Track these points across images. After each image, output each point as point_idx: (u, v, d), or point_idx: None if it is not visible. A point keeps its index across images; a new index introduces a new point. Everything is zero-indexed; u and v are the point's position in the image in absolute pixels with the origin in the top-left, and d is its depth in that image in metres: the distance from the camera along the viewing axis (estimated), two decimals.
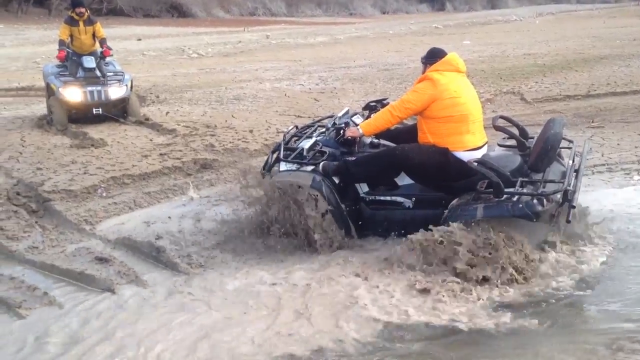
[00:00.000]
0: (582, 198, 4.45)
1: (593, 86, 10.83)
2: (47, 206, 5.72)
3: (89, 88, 8.59)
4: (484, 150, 4.53)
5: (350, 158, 4.67)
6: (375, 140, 4.82)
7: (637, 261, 4.30)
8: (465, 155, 4.35)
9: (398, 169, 4.50)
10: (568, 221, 4.03)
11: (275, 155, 4.94)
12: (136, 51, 20.04)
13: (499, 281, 3.96)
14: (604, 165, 6.42)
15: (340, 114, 4.97)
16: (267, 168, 4.97)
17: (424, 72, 4.57)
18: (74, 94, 8.52)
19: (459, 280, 3.97)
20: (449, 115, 4.36)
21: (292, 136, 5.19)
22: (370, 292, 3.94)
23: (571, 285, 3.96)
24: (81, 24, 8.93)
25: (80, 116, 8.72)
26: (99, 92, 8.62)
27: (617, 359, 3.21)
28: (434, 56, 4.55)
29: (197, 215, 5.47)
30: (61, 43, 8.87)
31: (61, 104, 8.52)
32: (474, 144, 4.44)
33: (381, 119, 4.53)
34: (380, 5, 53.52)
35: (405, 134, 4.80)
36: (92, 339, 3.55)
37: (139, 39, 24.90)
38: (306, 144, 4.79)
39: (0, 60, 17.32)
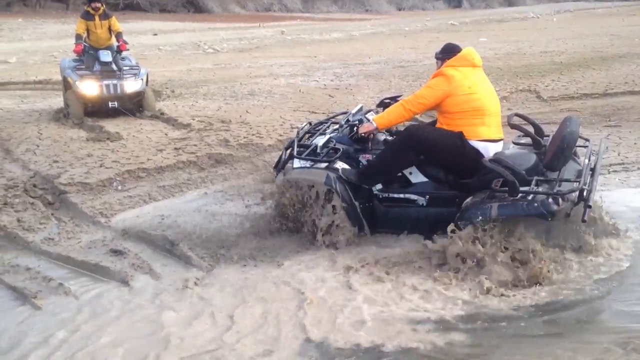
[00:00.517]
0: (599, 197, 4.40)
1: (610, 85, 10.71)
2: (63, 198, 5.78)
3: (105, 82, 8.68)
4: (499, 146, 4.49)
5: (364, 159, 4.67)
6: (389, 138, 4.81)
7: None
8: (479, 145, 4.33)
9: (413, 150, 4.41)
10: (584, 220, 3.99)
11: (288, 152, 4.95)
12: (152, 46, 20.15)
13: (525, 281, 3.93)
14: (620, 164, 6.35)
15: (353, 111, 4.96)
16: (281, 165, 4.97)
17: (438, 68, 4.55)
18: (90, 87, 8.62)
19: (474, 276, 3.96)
20: (463, 111, 4.35)
21: (306, 133, 5.19)
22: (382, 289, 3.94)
23: (590, 285, 3.92)
24: (97, 18, 9.06)
25: (96, 109, 8.82)
26: (115, 85, 8.71)
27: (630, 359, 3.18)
28: (448, 52, 4.53)
29: (210, 210, 5.49)
30: (78, 37, 9.02)
31: (78, 98, 8.62)
32: (488, 135, 4.40)
33: (395, 113, 4.51)
34: (396, 1, 53.33)
35: None
36: (103, 330, 3.59)
37: (155, 34, 25.05)
38: (320, 140, 4.79)
39: (19, 54, 17.50)
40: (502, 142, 4.55)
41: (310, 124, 5.40)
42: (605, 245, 4.33)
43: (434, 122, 4.82)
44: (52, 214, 5.46)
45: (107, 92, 8.69)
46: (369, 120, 4.77)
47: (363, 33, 25.87)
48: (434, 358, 3.28)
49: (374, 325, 3.54)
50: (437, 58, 4.63)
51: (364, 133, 4.58)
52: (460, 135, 4.36)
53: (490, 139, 4.41)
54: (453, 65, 4.44)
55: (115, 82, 8.74)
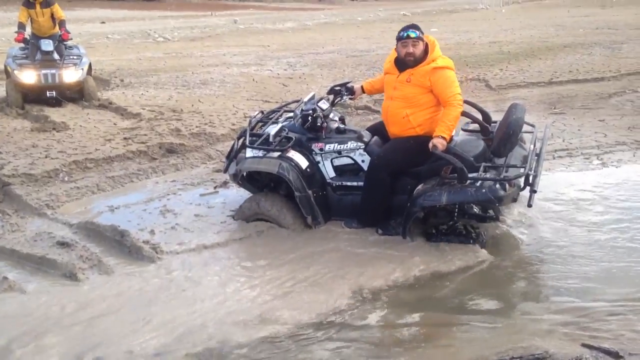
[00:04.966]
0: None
1: (556, 74, 11.02)
2: (6, 190, 5.58)
3: (44, 71, 8.61)
4: None
5: (316, 147, 4.69)
6: (342, 126, 4.82)
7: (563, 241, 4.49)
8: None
9: (387, 176, 4.43)
10: (529, 205, 4.11)
11: (240, 142, 4.91)
12: (100, 34, 19.60)
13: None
14: (564, 150, 6.56)
15: (306, 99, 4.95)
16: (233, 154, 4.93)
17: (411, 49, 4.38)
18: (28, 76, 8.57)
19: None
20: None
21: (258, 122, 5.16)
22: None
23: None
24: (38, 6, 8.93)
25: (36, 98, 8.68)
26: (53, 75, 8.63)
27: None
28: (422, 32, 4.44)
29: (162, 200, 5.41)
30: (20, 26, 8.92)
31: (16, 86, 8.55)
32: None
33: (453, 117, 4.28)
34: None
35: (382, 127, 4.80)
36: (51, 324, 3.50)
37: (103, 22, 24.36)
38: (272, 129, 4.77)
39: None
40: None
41: (262, 112, 5.36)
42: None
43: (374, 127, 4.88)
44: None
45: (45, 81, 8.59)
46: (321, 109, 4.73)
47: (316, 23, 25.79)
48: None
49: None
50: (411, 37, 4.37)
51: (439, 149, 4.20)
52: (411, 138, 4.44)
53: None
54: (442, 55, 4.44)
55: (53, 71, 8.63)
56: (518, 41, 15.79)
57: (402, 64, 4.48)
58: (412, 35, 4.36)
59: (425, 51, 4.44)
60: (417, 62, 4.41)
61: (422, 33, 4.42)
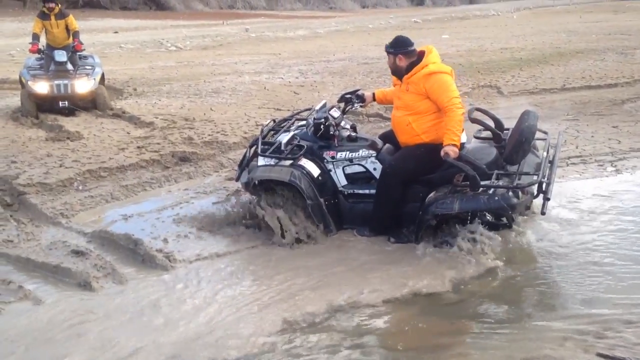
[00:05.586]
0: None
1: (568, 80, 10.97)
2: (22, 199, 5.64)
3: (56, 81, 8.74)
4: None
5: (328, 155, 4.69)
6: (353, 134, 4.83)
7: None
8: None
9: (399, 183, 4.45)
10: (543, 213, 4.10)
11: (252, 150, 4.94)
12: (113, 44, 19.78)
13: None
14: (578, 157, 6.52)
15: (317, 107, 4.97)
16: (245, 163, 4.95)
17: (393, 62, 4.51)
18: (41, 86, 8.71)
19: None
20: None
21: (270, 130, 5.18)
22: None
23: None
24: (52, 17, 9.10)
25: (49, 108, 8.81)
26: (66, 85, 8.76)
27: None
28: (402, 45, 4.49)
29: (175, 208, 5.44)
30: (34, 37, 9.05)
31: (29, 96, 8.70)
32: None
33: (457, 123, 4.27)
34: None
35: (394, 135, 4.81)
36: (66, 334, 3.52)
37: (116, 32, 24.57)
38: (284, 138, 4.79)
39: None
40: None
41: (274, 121, 5.39)
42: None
43: (385, 135, 4.87)
44: (11, 216, 5.32)
45: (58, 91, 8.72)
46: (333, 117, 4.76)
47: (327, 30, 25.87)
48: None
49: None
50: (388, 52, 4.55)
51: (455, 157, 4.20)
52: (421, 145, 4.44)
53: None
54: (435, 61, 4.44)
55: (65, 82, 8.76)
56: (530, 47, 15.75)
57: (397, 74, 4.58)
58: (386, 49, 4.55)
59: (418, 60, 4.46)
60: (405, 72, 4.47)
61: (408, 46, 4.47)
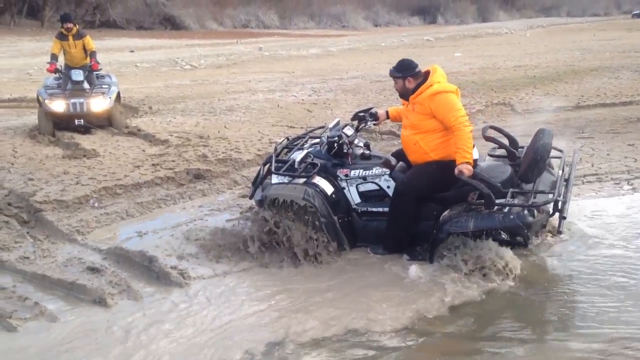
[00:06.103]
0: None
1: (583, 97, 10.94)
2: (38, 217, 5.69)
3: (72, 100, 8.91)
4: None
5: (342, 173, 4.69)
6: (367, 152, 4.84)
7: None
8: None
9: (412, 201, 4.44)
10: (559, 232, 4.07)
11: (266, 168, 4.96)
12: (129, 63, 20.06)
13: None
14: (594, 175, 6.47)
15: (331, 125, 4.99)
16: (259, 181, 4.97)
17: (403, 85, 4.54)
18: (57, 105, 8.88)
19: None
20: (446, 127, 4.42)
21: (284, 148, 5.21)
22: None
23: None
24: (70, 38, 9.31)
25: (65, 126, 8.98)
26: (82, 104, 8.92)
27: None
28: (408, 69, 4.53)
29: (189, 225, 5.46)
30: (52, 57, 9.27)
31: (46, 115, 8.88)
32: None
33: (467, 140, 4.27)
34: (373, 18, 53.92)
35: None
36: (83, 351, 3.53)
37: (132, 51, 24.95)
38: (298, 156, 4.80)
39: None
40: None
41: (287, 139, 5.41)
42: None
43: (398, 153, 4.88)
44: (28, 233, 5.37)
45: (74, 110, 8.87)
46: (347, 135, 4.78)
47: (340, 49, 26.07)
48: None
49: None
50: (396, 77, 4.57)
51: (469, 175, 4.18)
52: (433, 163, 4.45)
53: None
54: (439, 81, 4.46)
55: (81, 100, 8.92)
56: (543, 65, 15.74)
57: (404, 96, 4.62)
58: (393, 74, 4.60)
59: (424, 80, 4.49)
60: (411, 92, 4.50)
61: (414, 68, 4.52)
